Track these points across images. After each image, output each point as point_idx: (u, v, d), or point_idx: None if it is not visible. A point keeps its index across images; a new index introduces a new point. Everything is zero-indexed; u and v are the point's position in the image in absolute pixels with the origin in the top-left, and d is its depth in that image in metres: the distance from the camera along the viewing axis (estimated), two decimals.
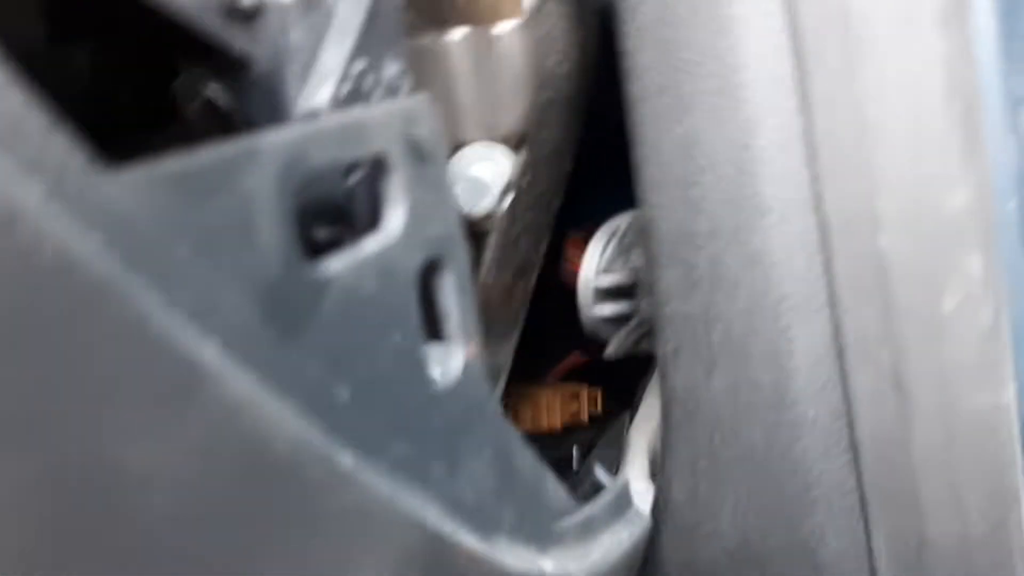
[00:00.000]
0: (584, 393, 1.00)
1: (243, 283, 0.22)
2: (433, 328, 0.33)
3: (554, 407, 0.97)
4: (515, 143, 0.43)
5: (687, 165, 0.42)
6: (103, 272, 0.18)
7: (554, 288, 0.58)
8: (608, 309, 0.49)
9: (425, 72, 0.38)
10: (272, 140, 0.24)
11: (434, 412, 0.31)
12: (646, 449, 0.57)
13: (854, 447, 0.45)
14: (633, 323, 0.50)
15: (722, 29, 0.39)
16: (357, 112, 0.29)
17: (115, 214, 0.18)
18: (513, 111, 0.41)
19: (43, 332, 0.17)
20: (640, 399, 0.60)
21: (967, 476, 0.45)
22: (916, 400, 0.44)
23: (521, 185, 0.45)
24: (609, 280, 0.49)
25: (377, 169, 0.29)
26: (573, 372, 0.99)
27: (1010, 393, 0.45)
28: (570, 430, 0.91)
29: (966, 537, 0.46)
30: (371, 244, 0.29)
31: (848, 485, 0.46)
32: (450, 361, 0.33)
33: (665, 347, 0.48)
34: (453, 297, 0.33)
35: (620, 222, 0.50)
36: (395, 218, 0.30)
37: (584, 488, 0.54)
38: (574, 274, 0.57)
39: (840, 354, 0.44)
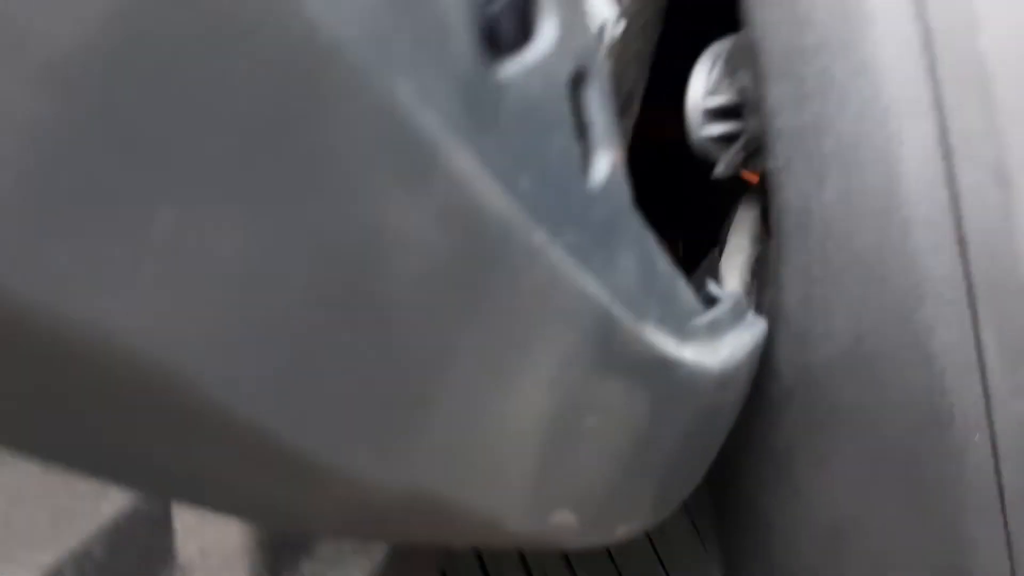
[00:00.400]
0: (665, 244, 1.04)
1: (448, 78, 0.26)
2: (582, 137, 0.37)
3: None
4: None
5: None
6: (356, 63, 0.21)
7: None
8: (716, 129, 0.52)
9: None
10: None
11: (591, 209, 0.35)
12: (739, 280, 0.61)
13: (961, 241, 0.48)
14: (740, 142, 0.53)
15: None
16: None
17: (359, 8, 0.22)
18: None
19: (312, 115, 0.21)
20: (725, 239, 0.63)
21: None
22: (1018, 192, 0.46)
23: (631, 12, 0.48)
24: (716, 101, 0.52)
25: None
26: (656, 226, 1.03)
27: None
28: None
29: None
30: (532, 53, 0.32)
31: (957, 277, 0.49)
32: (598, 165, 0.36)
33: (776, 161, 0.51)
34: (597, 107, 0.36)
35: (723, 45, 0.52)
36: (548, 30, 0.33)
37: (700, 302, 0.58)
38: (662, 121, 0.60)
39: (946, 154, 0.47)
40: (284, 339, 0.22)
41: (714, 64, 0.52)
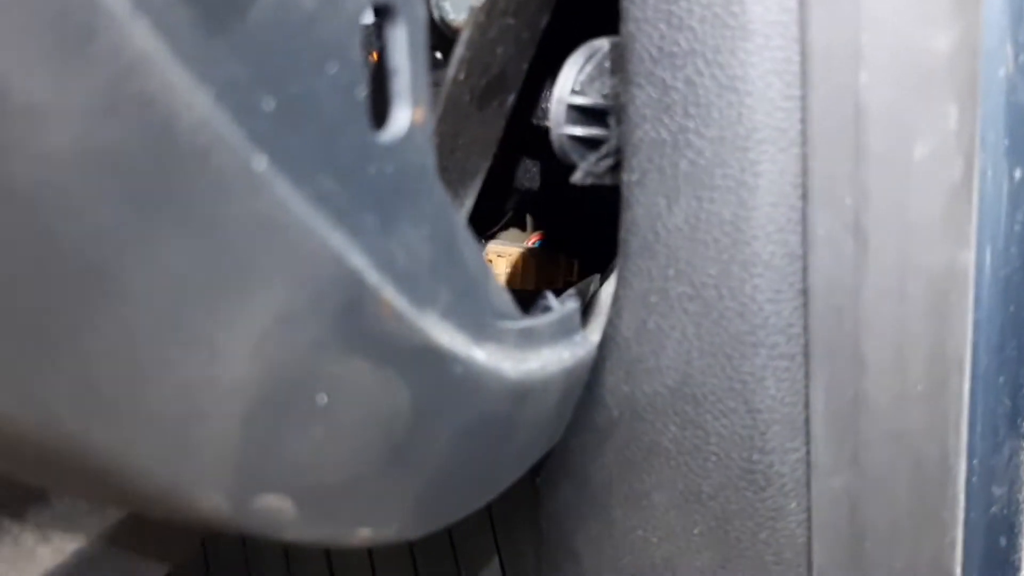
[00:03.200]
0: (562, 260, 1.00)
1: None
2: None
3: (530, 268, 0.97)
4: None
5: None
6: None
7: None
8: (578, 130, 0.48)
9: None
10: None
11: (369, 162, 0.31)
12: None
13: (805, 292, 0.45)
14: (604, 149, 0.49)
15: None
16: None
17: None
18: None
19: None
20: (615, 264, 0.59)
21: (913, 334, 0.45)
22: (873, 249, 0.43)
23: None
24: (583, 100, 0.48)
25: None
26: (553, 243, 0.99)
27: (969, 256, 0.45)
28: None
29: (904, 396, 0.46)
30: None
31: (794, 330, 0.46)
32: (396, 118, 0.32)
33: (631, 175, 0.47)
34: (404, 53, 0.32)
35: (602, 43, 0.48)
36: None
37: (534, 312, 0.54)
38: None
39: (804, 195, 0.43)
40: None
41: (588, 60, 0.48)
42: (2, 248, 0.20)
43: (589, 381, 0.53)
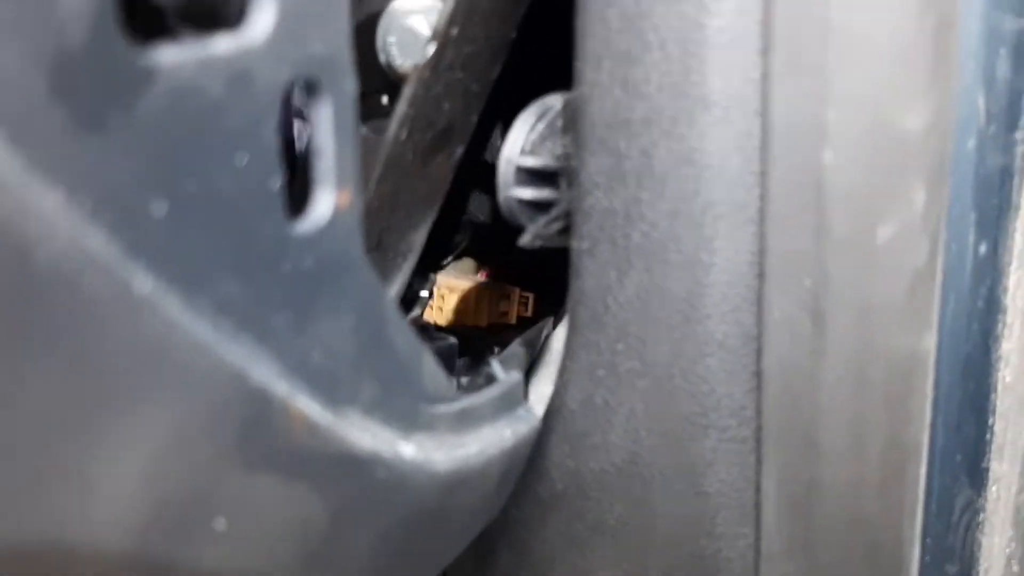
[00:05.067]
0: (515, 294, 0.97)
1: (32, 43, 0.18)
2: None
3: (482, 304, 0.94)
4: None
5: (632, 40, 0.38)
6: None
7: None
8: (529, 193, 0.46)
9: None
10: None
11: (285, 256, 0.27)
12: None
13: (759, 375, 0.43)
14: (553, 212, 0.46)
15: None
16: None
17: None
18: None
19: None
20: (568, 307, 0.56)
21: (872, 420, 0.43)
22: (832, 333, 0.41)
23: (449, 35, 0.41)
24: (533, 161, 0.45)
25: None
26: (508, 275, 0.96)
27: (930, 341, 0.43)
28: (496, 330, 0.88)
29: (859, 483, 0.44)
30: (225, 42, 0.24)
31: (747, 414, 0.44)
32: (316, 206, 0.29)
33: (581, 243, 0.44)
34: (329, 131, 0.29)
35: (555, 101, 0.45)
36: (262, 20, 0.25)
37: (478, 381, 0.51)
38: None
39: (761, 274, 0.41)
40: None
41: (539, 119, 0.45)
42: None
43: (534, 451, 0.50)
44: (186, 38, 0.23)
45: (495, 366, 0.50)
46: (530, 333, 0.65)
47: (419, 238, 0.54)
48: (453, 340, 0.62)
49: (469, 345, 0.83)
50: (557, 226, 0.48)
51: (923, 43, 0.36)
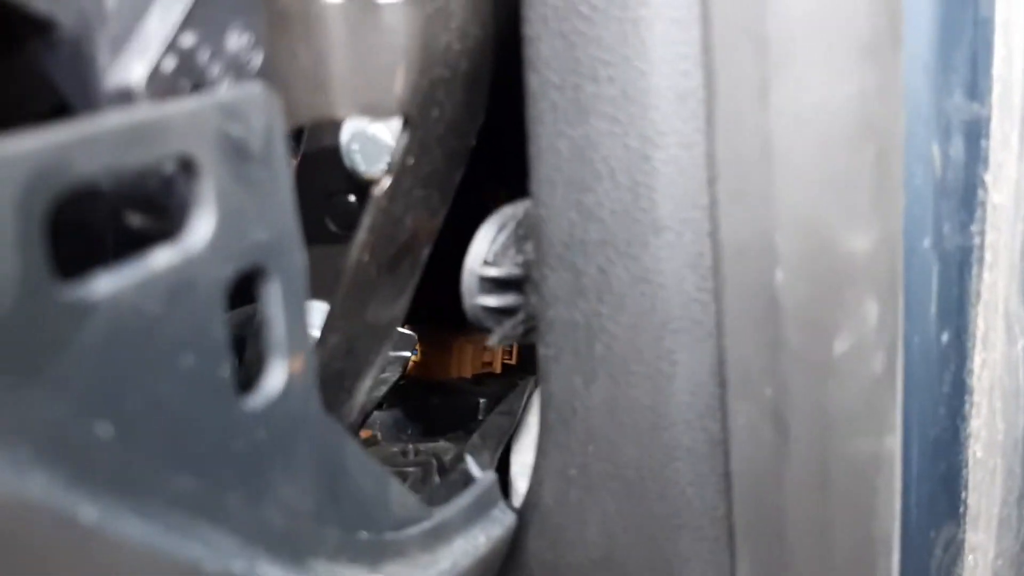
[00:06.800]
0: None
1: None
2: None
3: (466, 356, 0.94)
4: (403, 123, 0.39)
5: (583, 169, 0.39)
6: None
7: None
8: (493, 300, 0.47)
9: (294, 38, 0.34)
10: (15, 148, 0.20)
11: (237, 437, 0.28)
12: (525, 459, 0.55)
13: (728, 477, 0.43)
14: (519, 317, 0.47)
15: (630, 31, 0.35)
16: (148, 109, 0.25)
17: None
18: (394, 89, 0.37)
19: None
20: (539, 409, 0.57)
21: (839, 521, 0.44)
22: (795, 439, 0.42)
23: (406, 164, 0.41)
24: (496, 271, 0.46)
25: (184, 172, 0.26)
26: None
27: (894, 442, 0.43)
28: (480, 379, 0.89)
29: None
30: (165, 256, 0.25)
31: (718, 514, 0.44)
32: (268, 378, 0.30)
33: (547, 350, 0.45)
34: (278, 307, 0.29)
35: (516, 209, 0.46)
36: (202, 227, 0.26)
37: (454, 478, 0.52)
38: None
39: (722, 383, 0.42)
40: None
41: (500, 230, 0.46)
42: None
43: (512, 545, 0.51)
44: (123, 258, 0.24)
45: (470, 463, 0.51)
46: (510, 400, 0.66)
47: (392, 330, 0.55)
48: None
49: (454, 398, 0.84)
50: (523, 328, 0.49)
51: (864, 169, 0.37)
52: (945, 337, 0.48)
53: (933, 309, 0.47)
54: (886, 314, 0.40)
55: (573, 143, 0.39)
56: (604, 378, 0.43)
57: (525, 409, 0.61)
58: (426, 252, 0.52)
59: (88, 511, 0.22)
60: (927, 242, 0.44)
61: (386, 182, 0.41)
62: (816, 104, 0.35)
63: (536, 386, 0.60)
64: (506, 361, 0.95)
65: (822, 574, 0.45)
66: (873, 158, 0.36)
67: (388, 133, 0.49)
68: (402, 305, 0.55)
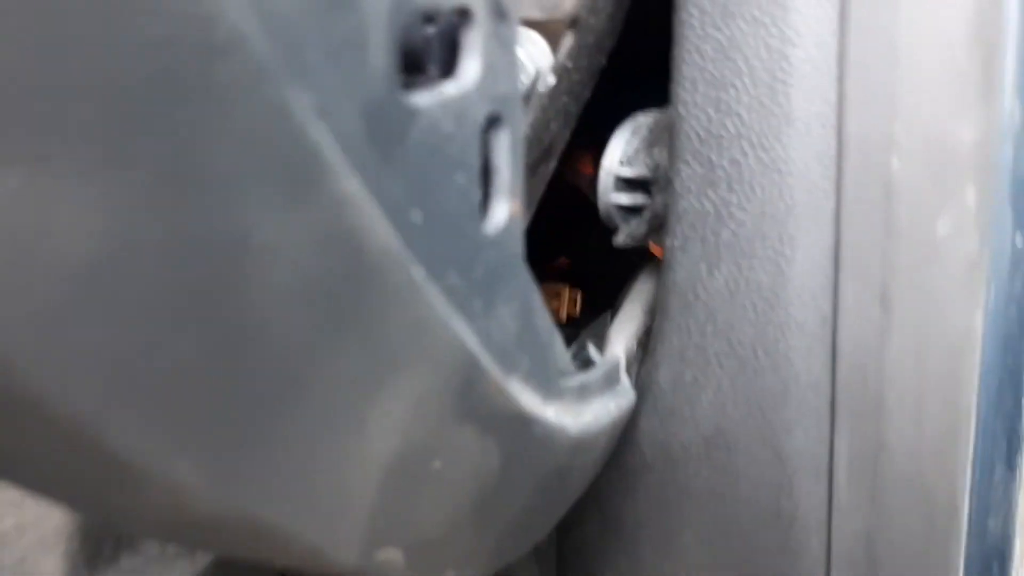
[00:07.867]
0: (565, 292, 1.03)
1: (355, 96, 0.25)
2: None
3: None
4: (568, 25, 0.45)
5: (725, 68, 0.45)
6: (257, 55, 0.20)
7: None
8: (624, 199, 0.53)
9: None
10: None
11: (480, 254, 0.34)
12: (623, 349, 0.61)
13: (834, 352, 0.49)
14: (645, 215, 0.53)
15: None
16: None
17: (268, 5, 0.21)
18: None
19: (195, 104, 0.20)
20: (621, 303, 0.63)
21: (930, 389, 0.50)
22: (897, 315, 0.48)
23: (566, 67, 0.47)
24: (629, 171, 0.52)
25: (461, 19, 0.32)
26: (556, 273, 1.03)
27: (980, 319, 0.49)
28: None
29: (920, 443, 0.51)
30: (451, 87, 0.31)
31: (822, 386, 0.50)
32: (496, 212, 0.36)
33: (673, 240, 0.51)
34: (506, 154, 0.35)
35: (645, 119, 0.52)
36: (472, 68, 0.32)
37: (576, 363, 0.58)
38: (581, 174, 0.60)
39: (836, 265, 0.48)
40: (124, 337, 0.20)
41: (634, 134, 0.52)
42: (223, 364, 0.24)
43: (626, 426, 0.57)
44: (428, 85, 0.30)
45: (591, 350, 0.57)
46: (594, 326, 0.72)
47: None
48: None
49: None
50: (646, 227, 0.55)
51: (973, 69, 0.43)
52: (1019, 240, 0.54)
53: (1010, 213, 0.52)
54: (982, 200, 0.46)
55: (718, 44, 0.45)
56: (728, 263, 0.49)
57: (606, 336, 0.67)
58: (552, 167, 0.58)
59: (418, 271, 0.28)
60: (1009, 150, 0.50)
61: (550, 79, 0.47)
62: (937, 9, 0.41)
63: (612, 319, 0.66)
64: (571, 313, 1.01)
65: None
66: (981, 62, 0.42)
67: (525, 54, 0.55)
68: (528, 217, 0.61)
